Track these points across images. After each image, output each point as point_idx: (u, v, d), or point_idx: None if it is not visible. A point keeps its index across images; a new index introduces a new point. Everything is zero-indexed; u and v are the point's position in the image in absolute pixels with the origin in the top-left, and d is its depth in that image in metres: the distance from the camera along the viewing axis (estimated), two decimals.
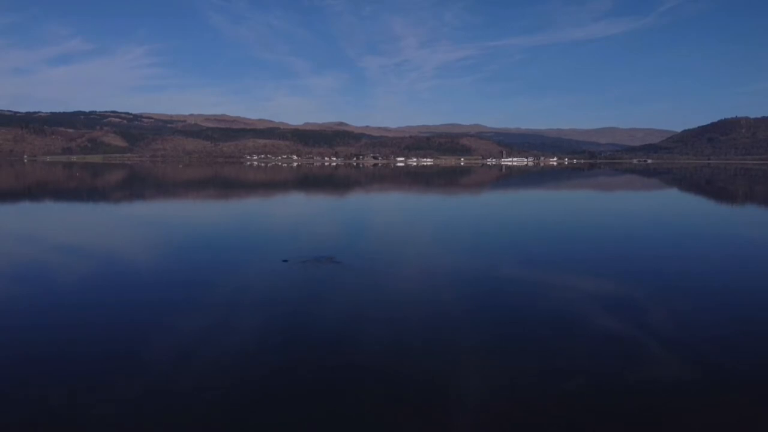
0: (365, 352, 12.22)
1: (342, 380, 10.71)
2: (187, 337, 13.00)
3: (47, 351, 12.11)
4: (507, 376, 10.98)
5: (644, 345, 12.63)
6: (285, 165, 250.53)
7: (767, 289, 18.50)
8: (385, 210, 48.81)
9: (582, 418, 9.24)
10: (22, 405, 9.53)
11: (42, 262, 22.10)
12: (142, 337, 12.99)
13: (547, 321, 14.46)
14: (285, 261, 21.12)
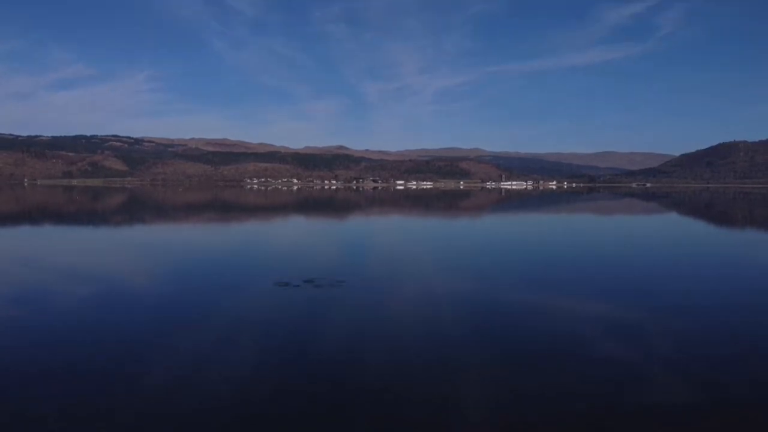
0: (366, 373, 12.06)
1: (342, 400, 10.55)
2: (184, 358, 12.84)
3: (40, 372, 11.94)
4: (507, 396, 10.82)
5: (645, 367, 12.47)
6: (285, 188, 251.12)
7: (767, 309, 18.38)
8: (387, 233, 48.75)
9: None
10: (18, 424, 9.36)
11: (38, 285, 21.96)
12: (137, 359, 12.83)
13: (547, 344, 14.31)
14: (285, 284, 20.99)
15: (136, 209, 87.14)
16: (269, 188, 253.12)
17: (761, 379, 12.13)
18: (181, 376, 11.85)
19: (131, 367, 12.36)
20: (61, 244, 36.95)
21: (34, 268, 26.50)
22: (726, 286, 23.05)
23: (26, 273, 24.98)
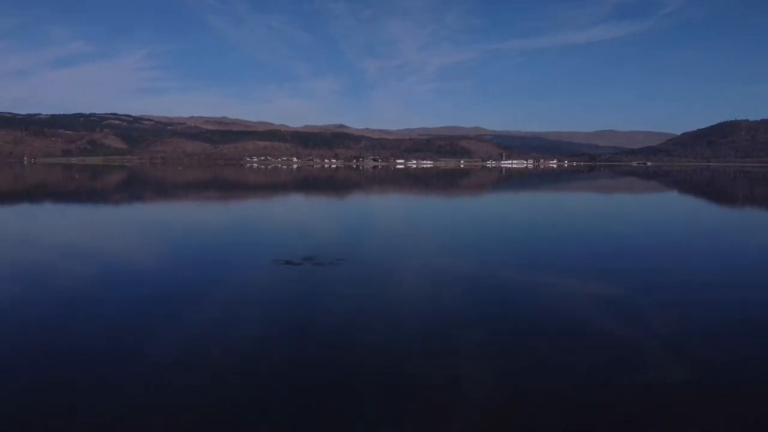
0: (366, 350, 12.25)
1: (342, 377, 10.74)
2: (186, 333, 13.02)
3: (43, 348, 12.13)
4: (506, 374, 11.00)
5: (643, 346, 12.65)
6: (285, 167, 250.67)
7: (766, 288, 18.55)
8: (386, 211, 48.85)
9: (580, 416, 9.27)
10: (22, 400, 9.55)
11: (40, 263, 22.12)
12: (140, 333, 13.01)
13: (547, 322, 14.49)
14: (285, 262, 21.14)
15: (137, 187, 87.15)
16: (269, 167, 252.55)
17: (756, 355, 12.32)
18: (184, 351, 12.03)
19: (134, 341, 12.54)
20: (63, 223, 37.06)
21: (37, 246, 26.64)
22: (723, 264, 23.21)
23: (29, 251, 25.13)
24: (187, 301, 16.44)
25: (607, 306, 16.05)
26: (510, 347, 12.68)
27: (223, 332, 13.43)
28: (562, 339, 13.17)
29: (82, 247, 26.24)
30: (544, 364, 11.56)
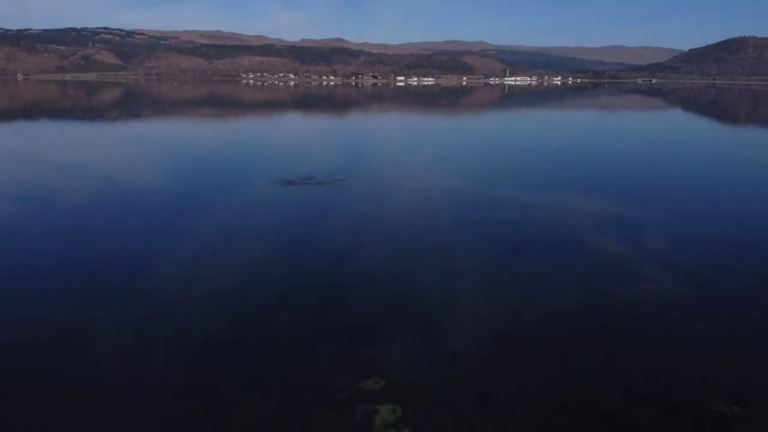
0: (367, 265, 12.96)
1: (343, 290, 11.50)
2: (194, 249, 13.66)
3: (47, 267, 12.84)
4: (504, 288, 11.75)
5: (637, 262, 13.36)
6: (282, 84, 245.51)
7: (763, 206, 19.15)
8: (387, 131, 48.74)
9: (575, 329, 10.05)
10: (28, 317, 10.30)
11: (42, 183, 22.51)
12: (149, 249, 13.66)
13: (545, 238, 15.19)
14: (287, 182, 21.56)
15: (134, 105, 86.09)
16: (265, 83, 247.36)
17: (749, 269, 13.06)
18: (192, 265, 12.72)
19: (142, 258, 13.20)
20: (62, 141, 37.15)
21: (38, 164, 26.94)
22: (722, 181, 23.75)
23: (30, 169, 25.47)
24: (190, 219, 17.02)
25: (606, 223, 16.67)
26: (508, 262, 13.40)
27: (227, 247, 14.10)
28: (558, 255, 13.88)
29: (85, 167, 26.53)
30: (541, 279, 12.30)
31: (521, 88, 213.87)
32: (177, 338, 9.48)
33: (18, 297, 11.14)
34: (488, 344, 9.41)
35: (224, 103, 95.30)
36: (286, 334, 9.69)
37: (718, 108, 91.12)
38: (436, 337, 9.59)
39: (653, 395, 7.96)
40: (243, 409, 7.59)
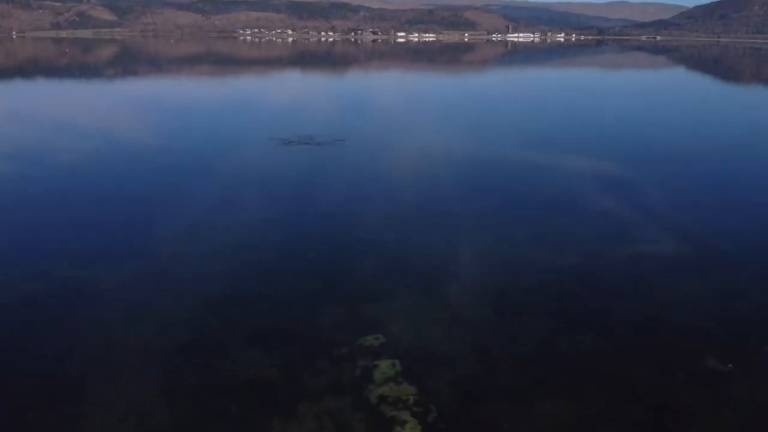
0: (367, 222, 13.10)
1: (346, 246, 11.66)
2: (194, 208, 13.79)
3: (53, 220, 12.98)
4: (503, 246, 11.92)
5: (636, 220, 13.50)
6: (279, 40, 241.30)
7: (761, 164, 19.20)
8: (387, 90, 48.25)
9: (571, 286, 10.24)
10: (31, 272, 10.48)
11: (44, 140, 22.50)
12: (150, 208, 13.79)
13: (544, 196, 15.32)
14: (286, 141, 21.53)
15: (130, 62, 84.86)
16: (263, 40, 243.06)
17: (747, 229, 13.22)
18: (192, 224, 12.87)
19: (143, 216, 13.33)
20: (59, 100, 36.83)
21: (36, 124, 26.83)
22: (722, 141, 23.73)
23: (29, 129, 25.38)
24: (190, 178, 17.09)
25: (605, 180, 16.73)
26: (508, 220, 13.54)
27: (227, 206, 14.22)
28: (558, 213, 14.01)
29: (82, 125, 26.42)
30: (541, 237, 12.44)
31: (524, 45, 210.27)
32: (179, 295, 9.67)
33: (20, 254, 11.31)
34: (486, 302, 9.61)
35: (221, 61, 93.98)
36: (287, 293, 9.87)
37: (721, 67, 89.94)
38: (436, 296, 9.78)
39: (648, 352, 8.18)
40: (245, 363, 7.82)
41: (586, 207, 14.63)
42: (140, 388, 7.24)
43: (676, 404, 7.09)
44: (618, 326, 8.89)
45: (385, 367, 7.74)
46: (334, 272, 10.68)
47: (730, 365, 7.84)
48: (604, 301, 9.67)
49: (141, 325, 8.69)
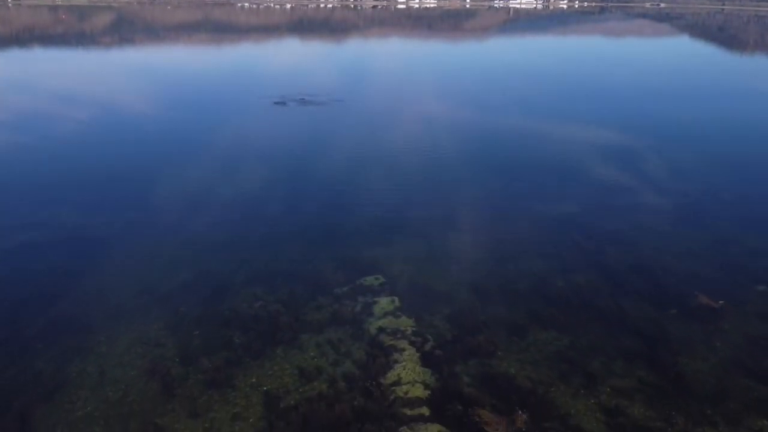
0: (367, 178, 13.21)
1: (346, 199, 11.80)
2: (193, 172, 13.90)
3: (51, 190, 13.12)
4: (499, 200, 12.06)
5: (633, 176, 13.63)
6: (278, 7, 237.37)
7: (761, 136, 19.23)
8: (386, 55, 47.80)
9: (567, 233, 10.41)
10: (36, 225, 10.65)
11: (41, 109, 22.48)
12: (148, 174, 13.89)
13: (543, 156, 15.39)
14: (283, 103, 21.52)
15: (127, 30, 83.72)
16: (261, 6, 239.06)
17: (743, 184, 13.35)
18: (197, 177, 12.98)
19: (141, 183, 13.32)
20: (56, 68, 36.51)
21: (36, 93, 26.70)
22: (724, 108, 23.65)
23: (30, 99, 25.30)
24: (190, 141, 17.15)
25: (604, 144, 16.80)
26: (507, 177, 13.63)
27: (230, 162, 14.33)
28: (556, 171, 14.09)
29: (81, 92, 26.31)
30: (539, 191, 12.57)
31: (527, 12, 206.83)
32: (185, 241, 9.87)
33: (29, 203, 11.47)
34: (483, 246, 9.79)
35: (220, 28, 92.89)
36: (289, 239, 10.03)
37: (726, 35, 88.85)
38: (434, 242, 9.95)
39: (641, 290, 8.39)
40: (249, 298, 8.04)
41: (585, 167, 14.76)
42: (146, 321, 7.47)
43: (668, 336, 7.32)
44: (612, 267, 9.09)
45: (384, 303, 7.96)
46: (336, 223, 10.83)
47: (721, 302, 8.05)
48: (600, 246, 9.85)
49: (147, 267, 8.89)
